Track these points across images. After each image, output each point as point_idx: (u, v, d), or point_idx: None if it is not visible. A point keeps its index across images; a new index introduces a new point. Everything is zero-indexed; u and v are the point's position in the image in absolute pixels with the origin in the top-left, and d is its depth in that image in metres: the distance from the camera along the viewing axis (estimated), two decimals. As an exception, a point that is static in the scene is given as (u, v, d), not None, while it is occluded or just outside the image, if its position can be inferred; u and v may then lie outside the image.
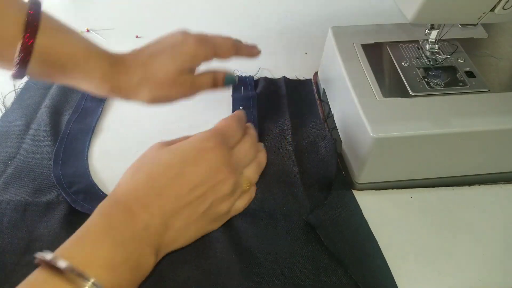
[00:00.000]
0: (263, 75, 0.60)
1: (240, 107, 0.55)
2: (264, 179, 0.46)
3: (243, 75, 0.60)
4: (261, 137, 0.51)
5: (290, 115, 0.53)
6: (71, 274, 0.26)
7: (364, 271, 0.39)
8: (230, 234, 0.41)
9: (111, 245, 0.29)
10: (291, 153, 0.49)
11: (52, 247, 0.39)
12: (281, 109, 0.55)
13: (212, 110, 0.56)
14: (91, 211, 0.42)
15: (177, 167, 0.34)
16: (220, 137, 0.37)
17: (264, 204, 0.43)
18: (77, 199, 0.44)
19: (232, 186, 0.37)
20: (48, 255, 0.27)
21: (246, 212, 0.42)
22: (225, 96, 0.57)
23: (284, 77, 0.59)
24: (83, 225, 0.31)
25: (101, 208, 0.32)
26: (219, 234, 0.41)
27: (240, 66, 0.61)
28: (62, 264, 0.27)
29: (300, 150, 0.49)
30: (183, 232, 0.35)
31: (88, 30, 0.68)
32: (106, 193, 0.45)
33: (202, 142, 0.36)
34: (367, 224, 0.43)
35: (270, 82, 0.59)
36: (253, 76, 0.60)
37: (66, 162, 0.48)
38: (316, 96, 0.57)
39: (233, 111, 0.55)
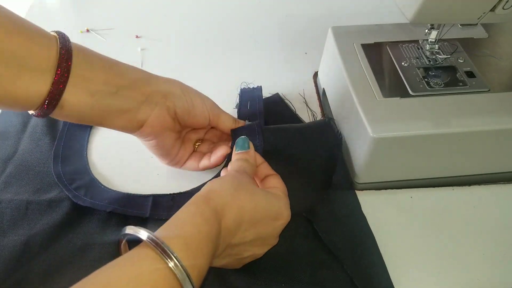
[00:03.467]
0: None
1: (246, 121, 0.49)
2: None
3: (251, 87, 0.56)
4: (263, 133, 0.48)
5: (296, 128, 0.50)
6: (177, 270, 0.27)
7: (360, 266, 0.39)
8: None
9: (207, 258, 0.30)
10: (291, 147, 0.48)
11: (52, 242, 0.40)
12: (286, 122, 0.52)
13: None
14: (93, 204, 0.43)
15: (260, 217, 0.35)
16: (289, 207, 0.38)
17: None
18: (79, 194, 0.44)
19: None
20: (162, 243, 0.28)
21: None
22: (229, 103, 0.55)
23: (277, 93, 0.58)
24: (186, 221, 0.31)
25: (206, 215, 0.32)
26: None
27: (234, 60, 0.61)
28: (182, 267, 0.27)
29: (302, 145, 0.49)
30: (219, 262, 0.36)
31: (88, 30, 0.68)
32: (107, 186, 0.46)
33: (283, 207, 0.37)
34: (366, 220, 0.43)
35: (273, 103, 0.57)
36: (261, 86, 0.55)
37: (66, 160, 0.48)
38: (294, 109, 0.55)
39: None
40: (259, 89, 0.56)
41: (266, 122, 0.50)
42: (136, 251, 0.28)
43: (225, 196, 0.34)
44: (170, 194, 0.45)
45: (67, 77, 0.34)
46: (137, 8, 0.74)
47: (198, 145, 0.48)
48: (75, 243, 0.41)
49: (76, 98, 0.35)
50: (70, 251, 0.40)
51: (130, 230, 0.29)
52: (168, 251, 0.27)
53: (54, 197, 0.44)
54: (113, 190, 0.46)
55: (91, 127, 0.53)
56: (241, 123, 0.46)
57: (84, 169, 0.48)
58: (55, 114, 0.36)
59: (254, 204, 0.35)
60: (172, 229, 0.30)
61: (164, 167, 0.49)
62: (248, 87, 0.56)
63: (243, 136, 0.43)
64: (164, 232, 0.30)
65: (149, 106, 0.40)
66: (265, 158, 0.44)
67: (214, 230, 0.31)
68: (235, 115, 0.52)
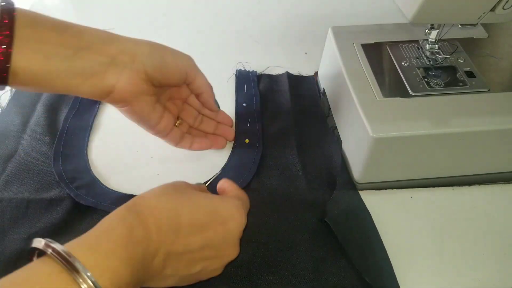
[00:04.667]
0: (267, 73, 0.61)
1: (244, 104, 0.55)
2: (267, 172, 0.47)
3: (247, 70, 0.60)
4: (264, 132, 0.52)
5: (293, 110, 0.54)
6: (83, 277, 0.24)
7: (368, 262, 0.39)
8: None
9: (124, 261, 0.27)
10: (293, 147, 0.49)
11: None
12: (283, 105, 0.55)
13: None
14: (95, 204, 0.43)
15: (204, 220, 0.33)
16: (245, 210, 0.36)
17: (266, 195, 0.45)
18: (80, 194, 0.44)
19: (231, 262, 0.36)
20: (59, 246, 0.26)
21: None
22: (228, 92, 0.58)
23: (287, 72, 0.60)
24: (101, 226, 0.29)
25: (124, 217, 0.30)
26: None
27: (246, 63, 0.61)
28: (78, 265, 0.25)
29: (303, 144, 0.50)
30: (167, 279, 0.33)
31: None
32: (108, 186, 0.46)
33: (233, 209, 0.34)
34: (370, 216, 0.43)
35: (272, 79, 0.59)
36: (255, 71, 0.60)
37: (67, 159, 0.48)
38: (321, 94, 0.57)
39: (236, 108, 0.55)
40: (254, 73, 0.59)
41: (263, 105, 0.55)
42: (35, 262, 0.26)
43: (152, 199, 0.32)
44: None
45: (11, 38, 0.32)
46: (137, 8, 0.74)
47: (178, 123, 0.46)
48: None
49: (28, 62, 0.33)
50: None
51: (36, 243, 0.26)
52: (63, 252, 0.25)
53: (55, 196, 0.44)
54: (114, 190, 0.46)
55: (91, 127, 0.52)
56: (211, 97, 0.46)
57: (85, 168, 0.48)
58: (13, 83, 0.34)
59: (192, 206, 0.33)
60: (83, 236, 0.28)
61: (164, 167, 0.49)
62: (244, 69, 0.60)
63: None
64: (74, 240, 0.27)
65: (117, 69, 0.37)
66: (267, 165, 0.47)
67: (135, 232, 0.29)
68: (233, 95, 0.57)
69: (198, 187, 0.39)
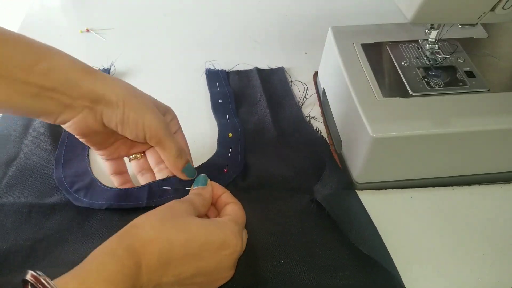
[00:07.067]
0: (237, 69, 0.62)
1: (219, 101, 0.56)
2: (253, 165, 0.48)
3: (216, 69, 0.61)
4: (244, 127, 0.53)
5: (267, 103, 0.55)
6: None
7: (363, 238, 0.40)
8: None
9: None
10: (274, 139, 0.51)
11: (58, 248, 0.40)
12: (257, 99, 0.56)
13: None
14: (90, 204, 0.43)
15: (197, 250, 0.32)
16: (241, 235, 0.35)
17: (255, 186, 0.46)
18: (78, 196, 0.44)
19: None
20: (48, 281, 0.25)
21: (239, 194, 0.44)
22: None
23: (256, 68, 0.61)
24: (92, 260, 0.28)
25: (114, 252, 0.29)
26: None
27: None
28: None
29: (283, 134, 0.52)
30: None
31: (88, 30, 0.68)
32: (107, 185, 0.45)
33: (229, 236, 0.34)
34: (359, 197, 0.45)
35: (242, 75, 0.60)
36: (224, 70, 0.61)
37: (68, 164, 0.48)
38: (291, 84, 0.59)
39: (212, 104, 0.56)
40: (224, 72, 0.61)
41: (238, 101, 0.56)
42: None
43: (147, 232, 0.31)
44: (162, 179, 0.44)
45: None
46: (137, 8, 0.74)
47: (133, 157, 0.45)
48: (78, 248, 0.40)
49: None
50: (73, 254, 0.40)
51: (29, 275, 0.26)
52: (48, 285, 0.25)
53: (57, 201, 0.44)
54: (112, 188, 0.45)
55: None
56: (184, 160, 0.41)
57: (85, 170, 0.47)
58: None
59: (186, 236, 0.32)
60: (74, 270, 0.28)
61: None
62: (214, 68, 0.61)
63: (203, 174, 0.40)
64: (66, 275, 0.27)
65: (74, 110, 0.36)
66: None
67: (126, 269, 0.28)
68: (206, 93, 0.58)
69: (200, 203, 0.37)
